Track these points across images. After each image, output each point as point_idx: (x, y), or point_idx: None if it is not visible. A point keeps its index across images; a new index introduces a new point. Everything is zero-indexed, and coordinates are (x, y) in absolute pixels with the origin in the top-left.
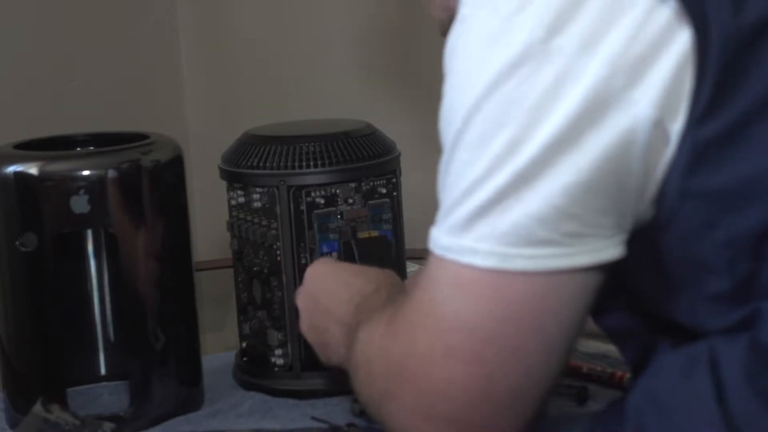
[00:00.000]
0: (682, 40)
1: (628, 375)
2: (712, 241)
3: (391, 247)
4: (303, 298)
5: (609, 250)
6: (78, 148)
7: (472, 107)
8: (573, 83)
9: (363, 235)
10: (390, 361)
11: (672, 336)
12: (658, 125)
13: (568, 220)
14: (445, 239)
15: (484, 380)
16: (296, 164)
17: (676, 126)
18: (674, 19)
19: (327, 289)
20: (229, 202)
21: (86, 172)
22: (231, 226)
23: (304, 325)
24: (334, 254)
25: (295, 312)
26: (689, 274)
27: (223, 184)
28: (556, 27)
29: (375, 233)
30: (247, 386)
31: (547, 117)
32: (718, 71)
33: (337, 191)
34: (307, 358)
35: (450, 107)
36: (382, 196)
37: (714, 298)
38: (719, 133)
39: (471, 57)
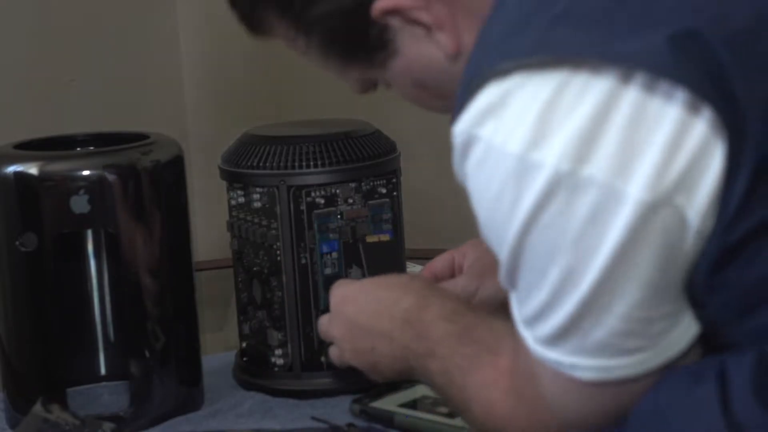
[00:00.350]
0: (719, 152)
1: None
2: (741, 329)
3: (397, 250)
4: (338, 325)
5: (693, 326)
6: (78, 148)
7: (517, 242)
8: (615, 211)
9: (371, 239)
10: (519, 414)
11: None
12: (700, 235)
13: (654, 324)
14: (536, 347)
15: None
16: (296, 164)
17: (708, 229)
18: (711, 133)
19: (362, 310)
20: (229, 202)
21: (86, 172)
22: (231, 226)
23: (347, 353)
24: (334, 254)
25: (327, 343)
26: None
27: (223, 184)
28: (581, 157)
29: (386, 237)
30: (247, 386)
31: (599, 247)
32: (749, 178)
33: (337, 191)
34: (307, 358)
35: (490, 233)
36: (382, 196)
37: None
38: (747, 234)
39: (492, 197)
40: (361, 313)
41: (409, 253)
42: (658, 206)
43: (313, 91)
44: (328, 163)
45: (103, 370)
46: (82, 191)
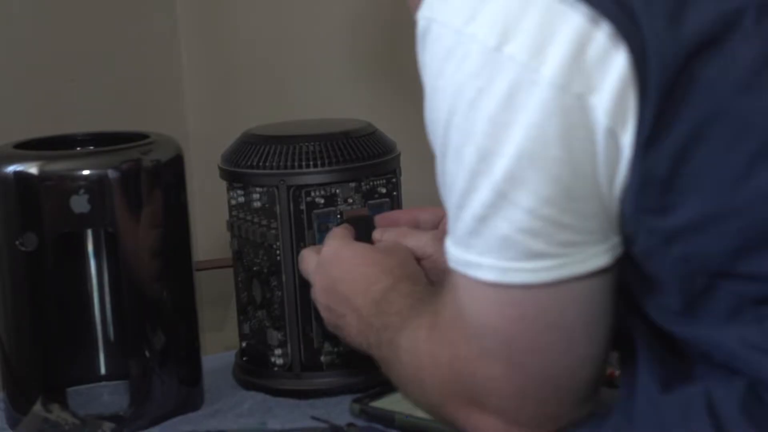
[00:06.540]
0: (620, 62)
1: (617, 372)
2: (669, 259)
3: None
4: (321, 279)
5: (605, 255)
6: (78, 148)
7: (446, 121)
8: (529, 91)
9: (350, 215)
10: (438, 364)
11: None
12: (612, 134)
13: (561, 230)
14: (453, 251)
15: (521, 377)
16: (296, 164)
17: (626, 139)
18: (610, 43)
19: (344, 278)
20: (229, 202)
21: (86, 172)
22: (231, 226)
23: (321, 303)
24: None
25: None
26: (648, 283)
27: (223, 184)
28: (505, 34)
29: (364, 212)
30: (247, 386)
31: (511, 127)
32: (658, 95)
33: (337, 191)
34: (307, 358)
35: (431, 120)
36: (382, 196)
37: (667, 310)
38: (664, 165)
39: (435, 73)
40: (342, 281)
41: None
42: (567, 90)
43: (313, 91)
44: (328, 163)
45: (103, 370)
46: (82, 191)
